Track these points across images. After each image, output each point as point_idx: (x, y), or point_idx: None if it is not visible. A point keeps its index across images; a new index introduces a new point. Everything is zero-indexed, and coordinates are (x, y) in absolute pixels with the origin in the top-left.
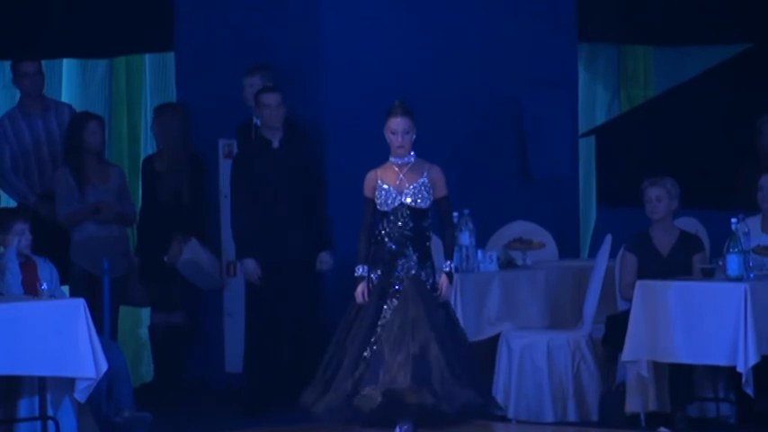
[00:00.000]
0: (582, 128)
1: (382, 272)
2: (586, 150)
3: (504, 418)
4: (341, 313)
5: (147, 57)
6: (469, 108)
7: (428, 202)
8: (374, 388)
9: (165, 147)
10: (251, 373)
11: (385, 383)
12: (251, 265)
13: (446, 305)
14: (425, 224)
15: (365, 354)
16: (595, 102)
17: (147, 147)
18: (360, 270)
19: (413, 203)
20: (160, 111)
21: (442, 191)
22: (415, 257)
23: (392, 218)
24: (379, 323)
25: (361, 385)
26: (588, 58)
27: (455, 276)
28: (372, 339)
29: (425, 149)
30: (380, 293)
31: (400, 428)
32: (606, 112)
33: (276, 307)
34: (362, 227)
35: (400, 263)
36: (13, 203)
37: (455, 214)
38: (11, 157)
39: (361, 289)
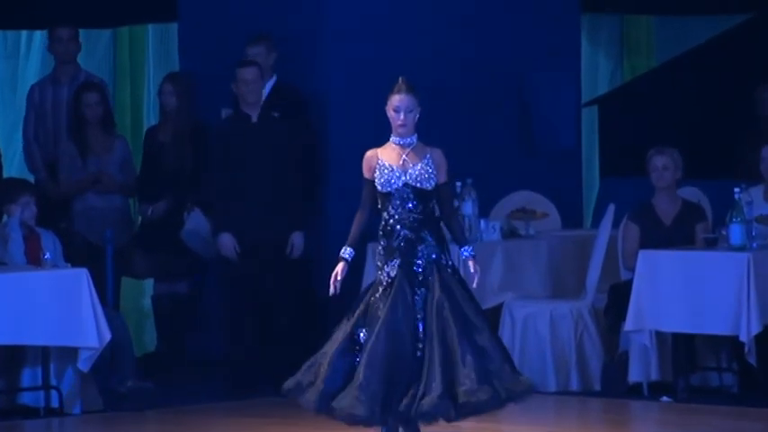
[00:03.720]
0: (584, 97)
1: (402, 262)
2: (589, 120)
3: None
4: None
5: (150, 27)
6: (473, 78)
7: (432, 184)
8: (439, 392)
9: (171, 117)
10: (234, 350)
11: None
12: (228, 239)
13: (466, 288)
14: (432, 206)
15: (418, 353)
16: (598, 71)
17: (150, 117)
18: (343, 252)
19: (417, 184)
20: (174, 79)
21: (444, 175)
22: (432, 241)
23: (398, 202)
24: (419, 316)
25: (427, 388)
26: (591, 27)
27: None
28: (421, 336)
29: (428, 120)
30: (410, 284)
31: None
32: (609, 81)
33: (255, 288)
34: (360, 209)
35: (420, 249)
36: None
37: (458, 184)
38: (35, 123)
39: (334, 271)
